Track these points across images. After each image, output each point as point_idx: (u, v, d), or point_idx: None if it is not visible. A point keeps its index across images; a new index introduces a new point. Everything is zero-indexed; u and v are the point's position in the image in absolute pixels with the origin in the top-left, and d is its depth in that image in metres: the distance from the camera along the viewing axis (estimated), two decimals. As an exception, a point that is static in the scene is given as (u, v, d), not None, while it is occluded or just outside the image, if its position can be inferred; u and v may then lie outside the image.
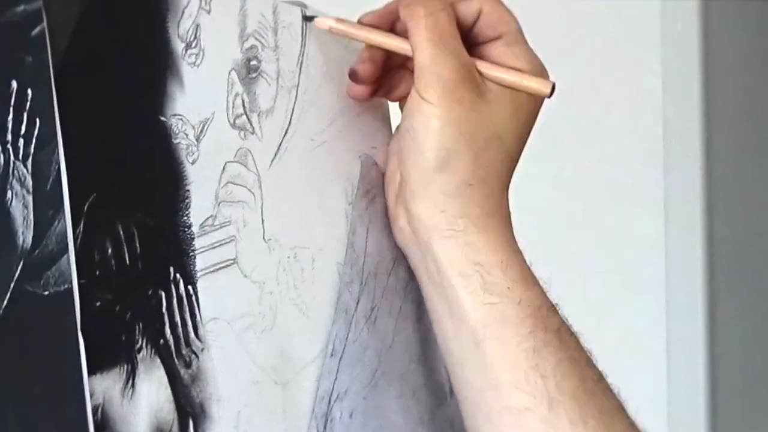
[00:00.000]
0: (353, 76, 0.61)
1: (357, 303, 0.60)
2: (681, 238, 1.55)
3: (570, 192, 1.58)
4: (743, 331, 1.67)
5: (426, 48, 0.57)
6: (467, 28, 0.60)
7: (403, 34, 0.60)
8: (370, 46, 0.61)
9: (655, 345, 1.55)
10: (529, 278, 0.58)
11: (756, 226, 1.73)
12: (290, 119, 0.58)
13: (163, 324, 0.48)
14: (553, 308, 0.58)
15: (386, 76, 0.63)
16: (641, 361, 1.55)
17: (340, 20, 0.60)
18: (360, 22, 0.61)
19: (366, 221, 0.61)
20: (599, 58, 1.55)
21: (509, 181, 0.61)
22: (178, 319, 0.48)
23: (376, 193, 0.63)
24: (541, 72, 0.61)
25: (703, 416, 1.54)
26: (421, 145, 0.57)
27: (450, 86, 0.57)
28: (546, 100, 0.62)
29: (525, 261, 0.59)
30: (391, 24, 0.61)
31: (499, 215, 0.59)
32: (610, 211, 1.57)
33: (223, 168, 0.53)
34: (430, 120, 0.57)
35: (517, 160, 0.62)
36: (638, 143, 1.55)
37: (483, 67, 0.59)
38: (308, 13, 0.60)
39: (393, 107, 0.67)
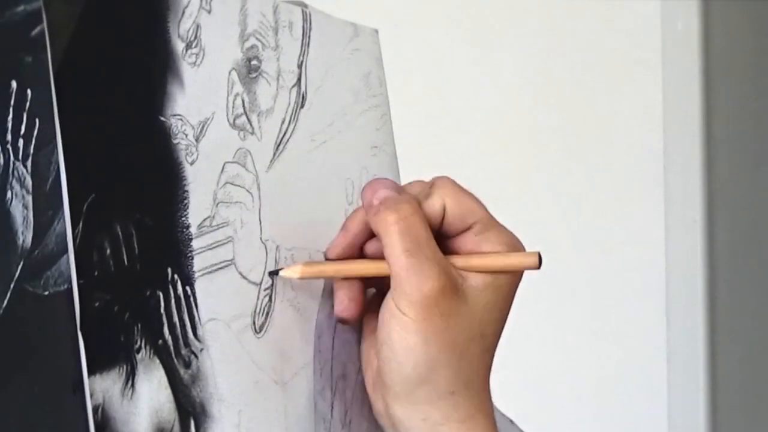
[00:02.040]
0: (344, 323, 0.59)
1: (332, 409, 0.59)
2: (681, 238, 1.55)
3: (570, 192, 1.58)
4: (743, 331, 1.67)
5: (402, 258, 0.54)
6: (436, 226, 0.57)
7: (373, 253, 0.58)
8: (345, 280, 0.58)
9: (655, 345, 1.55)
10: None
11: (756, 226, 1.73)
12: (290, 119, 0.58)
13: (162, 324, 0.48)
14: None
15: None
16: (641, 361, 1.55)
17: (307, 264, 0.57)
18: (327, 258, 0.59)
19: (332, 324, 0.60)
20: (599, 58, 1.55)
21: (490, 370, 0.59)
22: (176, 319, 0.48)
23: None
24: (519, 248, 0.58)
25: (703, 416, 1.54)
26: (401, 358, 0.55)
27: (430, 300, 0.54)
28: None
29: None
30: (358, 248, 0.58)
31: (481, 414, 0.57)
32: (610, 212, 1.57)
33: (222, 168, 0.53)
34: (409, 335, 0.54)
35: (496, 346, 0.59)
36: (638, 143, 1.55)
37: (461, 261, 0.56)
38: (276, 269, 0.57)
39: (393, 107, 0.67)
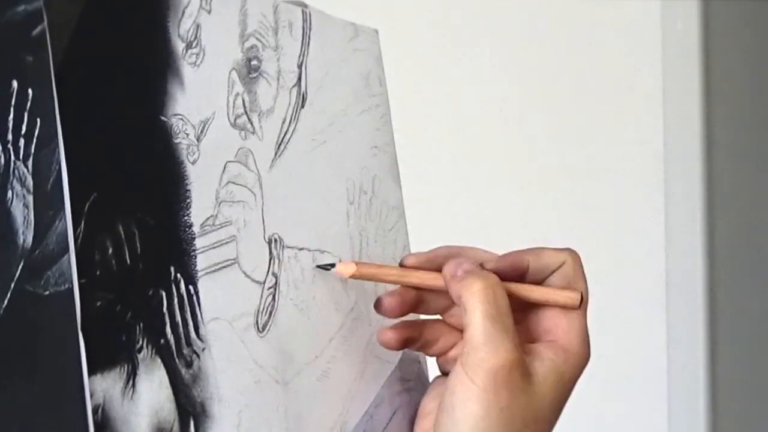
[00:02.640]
0: (377, 305, 0.59)
1: None
2: (681, 239, 1.55)
3: (569, 192, 1.58)
4: (743, 331, 1.67)
5: (482, 324, 0.55)
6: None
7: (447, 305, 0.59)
8: (405, 287, 0.59)
9: (655, 345, 1.55)
10: None
11: (756, 226, 1.73)
12: (291, 119, 0.58)
13: (164, 324, 0.48)
14: None
15: (424, 327, 0.60)
16: (641, 361, 1.55)
17: (361, 264, 0.58)
18: (402, 264, 0.59)
19: (395, 405, 0.61)
20: (599, 58, 1.55)
21: None
22: (178, 318, 0.48)
23: (412, 386, 0.63)
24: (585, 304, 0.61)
25: (703, 416, 1.54)
26: (458, 425, 0.55)
27: (501, 372, 0.54)
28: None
29: None
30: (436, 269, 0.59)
31: None
32: (609, 212, 1.57)
33: (224, 168, 0.53)
34: (473, 404, 0.54)
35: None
36: (638, 143, 1.55)
37: (515, 288, 0.58)
38: (323, 262, 0.58)
39: (393, 106, 0.67)
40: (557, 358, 0.58)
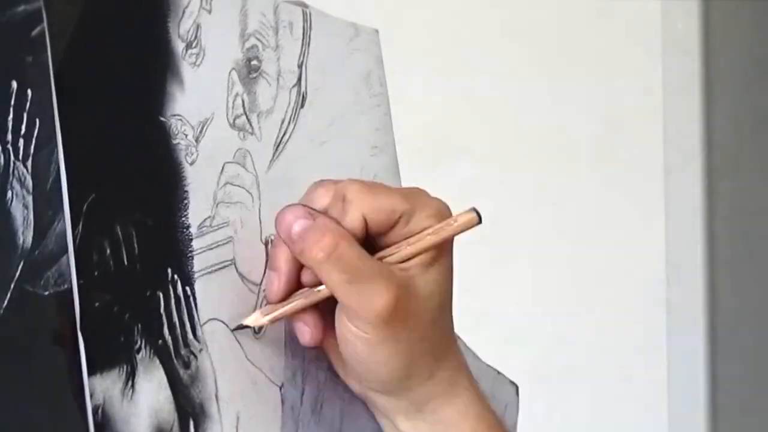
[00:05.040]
0: (314, 348, 0.57)
1: (302, 395, 0.58)
2: (681, 238, 1.55)
3: (569, 192, 1.58)
4: (743, 331, 1.67)
5: (345, 288, 0.53)
6: (362, 239, 0.54)
7: (311, 280, 0.55)
8: (301, 314, 0.56)
9: (655, 345, 1.55)
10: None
11: (756, 226, 1.73)
12: (290, 119, 0.58)
13: (162, 325, 0.48)
14: None
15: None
16: (641, 361, 1.55)
17: (264, 311, 0.55)
18: (269, 302, 0.56)
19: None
20: (599, 58, 1.55)
21: (453, 326, 0.58)
22: (176, 319, 0.48)
23: None
24: (447, 213, 0.56)
25: (703, 416, 1.54)
26: (374, 368, 0.55)
27: (385, 316, 0.53)
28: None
29: (493, 415, 0.58)
30: (296, 281, 0.55)
31: (459, 373, 0.57)
32: (609, 212, 1.57)
33: (222, 169, 0.53)
34: (376, 350, 0.53)
35: (451, 305, 0.58)
36: (638, 143, 1.55)
37: (397, 255, 0.55)
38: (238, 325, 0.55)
39: (394, 108, 0.67)
40: (426, 260, 0.55)
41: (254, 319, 0.55)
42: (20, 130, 0.45)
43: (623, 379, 1.54)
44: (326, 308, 0.55)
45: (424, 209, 0.55)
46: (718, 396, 1.56)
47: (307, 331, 0.56)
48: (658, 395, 1.55)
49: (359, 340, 0.53)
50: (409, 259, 0.55)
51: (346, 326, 0.54)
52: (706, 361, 1.54)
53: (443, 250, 0.56)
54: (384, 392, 0.56)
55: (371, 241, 0.55)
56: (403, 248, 0.55)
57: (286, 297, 0.55)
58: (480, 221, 0.55)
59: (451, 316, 0.58)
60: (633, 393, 1.56)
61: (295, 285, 0.55)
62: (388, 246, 0.55)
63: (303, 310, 0.55)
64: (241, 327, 0.54)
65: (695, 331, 1.55)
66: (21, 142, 0.45)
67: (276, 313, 0.55)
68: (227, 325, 0.52)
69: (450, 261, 0.57)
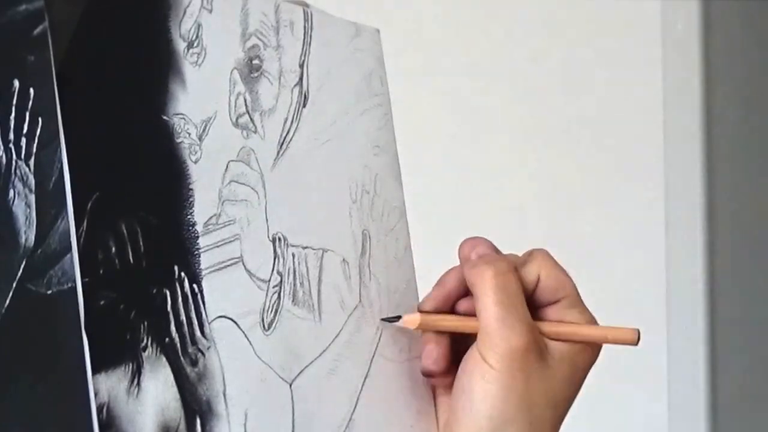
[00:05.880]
0: (428, 374, 0.60)
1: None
2: (681, 238, 1.55)
3: (570, 192, 1.58)
4: (743, 331, 1.67)
5: (494, 311, 0.56)
6: (528, 294, 0.59)
7: (465, 311, 0.60)
8: (435, 334, 0.60)
9: (655, 345, 1.55)
10: None
11: (756, 225, 1.73)
12: (292, 118, 0.58)
13: (169, 322, 0.48)
14: None
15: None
16: (641, 361, 1.55)
17: (425, 315, 0.60)
18: (420, 310, 0.60)
19: None
20: (599, 58, 1.55)
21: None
22: (183, 317, 0.48)
23: None
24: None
25: (703, 416, 1.54)
26: (478, 406, 0.56)
27: (517, 354, 0.56)
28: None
29: None
30: (451, 303, 0.60)
31: None
32: (610, 211, 1.57)
33: (226, 167, 0.53)
34: (491, 385, 0.56)
35: (563, 419, 0.60)
36: (638, 143, 1.55)
37: (548, 327, 0.59)
38: (391, 317, 0.61)
39: (395, 107, 0.67)
40: (570, 348, 0.59)
41: (412, 320, 0.60)
42: (22, 128, 0.45)
43: (623, 379, 1.54)
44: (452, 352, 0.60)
45: (584, 313, 0.60)
46: (718, 396, 1.56)
47: (434, 352, 0.59)
48: (658, 395, 1.55)
49: (480, 371, 0.56)
50: (558, 339, 0.58)
51: (473, 356, 0.57)
52: (706, 361, 1.55)
53: (582, 362, 0.59)
54: None
55: (529, 311, 0.58)
56: (557, 326, 0.59)
57: (436, 312, 0.60)
58: (636, 344, 0.60)
59: (558, 428, 0.59)
60: (633, 393, 1.56)
61: (449, 308, 0.60)
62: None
63: (440, 335, 0.59)
64: (392, 320, 0.59)
65: (695, 331, 1.55)
66: (23, 140, 0.45)
67: (434, 321, 0.59)
68: (236, 323, 0.52)
69: (582, 378, 0.60)
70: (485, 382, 0.56)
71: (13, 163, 0.45)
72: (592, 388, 1.70)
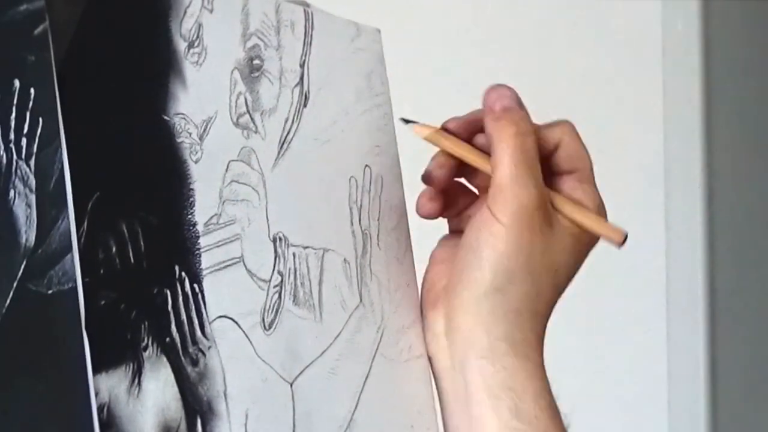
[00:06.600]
0: (427, 178, 0.62)
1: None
2: (681, 238, 1.55)
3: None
4: (743, 331, 1.67)
5: (509, 168, 0.57)
6: (545, 157, 0.60)
7: (483, 148, 0.60)
8: (445, 154, 0.61)
9: (655, 345, 1.55)
10: (555, 410, 0.59)
11: (756, 225, 1.73)
12: (293, 118, 0.58)
13: (169, 322, 0.48)
14: None
15: (450, 195, 0.63)
16: (641, 361, 1.55)
17: (439, 131, 0.61)
18: (443, 127, 0.61)
19: None
20: (599, 58, 1.55)
21: (548, 317, 0.61)
22: (184, 317, 0.48)
23: None
24: (603, 213, 0.62)
25: (703, 416, 1.54)
26: (484, 262, 0.57)
27: (526, 212, 0.57)
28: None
29: (552, 392, 0.60)
30: (472, 134, 0.62)
31: (537, 343, 0.60)
32: (609, 211, 1.57)
33: (227, 167, 0.53)
34: (498, 240, 0.57)
35: (562, 293, 0.62)
36: (638, 143, 1.55)
37: (558, 200, 0.60)
38: (405, 117, 0.63)
39: (395, 106, 0.67)
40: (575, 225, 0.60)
41: (425, 131, 0.61)
42: (23, 128, 0.45)
43: (623, 379, 1.54)
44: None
45: (594, 192, 0.63)
46: (718, 395, 1.56)
47: (441, 159, 0.61)
48: (658, 395, 1.55)
49: (489, 227, 0.57)
50: (560, 213, 0.60)
51: (483, 213, 0.58)
52: (706, 361, 1.54)
53: (583, 243, 0.61)
54: (471, 307, 0.58)
55: (543, 176, 0.59)
56: (564, 202, 0.60)
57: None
58: (620, 245, 0.61)
59: (553, 305, 0.61)
60: (633, 393, 1.56)
61: (468, 137, 0.62)
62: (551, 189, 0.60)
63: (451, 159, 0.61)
64: (408, 121, 0.61)
65: (695, 331, 1.55)
66: (24, 140, 0.45)
67: (448, 141, 0.61)
68: (237, 323, 0.52)
69: (582, 258, 0.61)
70: (493, 237, 0.57)
71: (14, 163, 0.45)
72: (593, 387, 1.70)
